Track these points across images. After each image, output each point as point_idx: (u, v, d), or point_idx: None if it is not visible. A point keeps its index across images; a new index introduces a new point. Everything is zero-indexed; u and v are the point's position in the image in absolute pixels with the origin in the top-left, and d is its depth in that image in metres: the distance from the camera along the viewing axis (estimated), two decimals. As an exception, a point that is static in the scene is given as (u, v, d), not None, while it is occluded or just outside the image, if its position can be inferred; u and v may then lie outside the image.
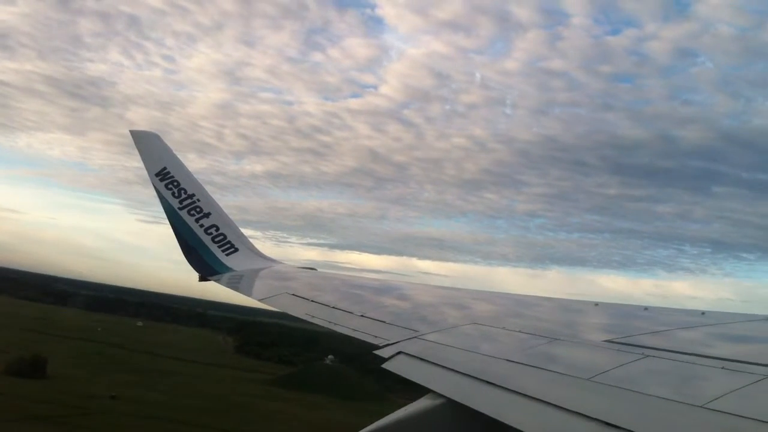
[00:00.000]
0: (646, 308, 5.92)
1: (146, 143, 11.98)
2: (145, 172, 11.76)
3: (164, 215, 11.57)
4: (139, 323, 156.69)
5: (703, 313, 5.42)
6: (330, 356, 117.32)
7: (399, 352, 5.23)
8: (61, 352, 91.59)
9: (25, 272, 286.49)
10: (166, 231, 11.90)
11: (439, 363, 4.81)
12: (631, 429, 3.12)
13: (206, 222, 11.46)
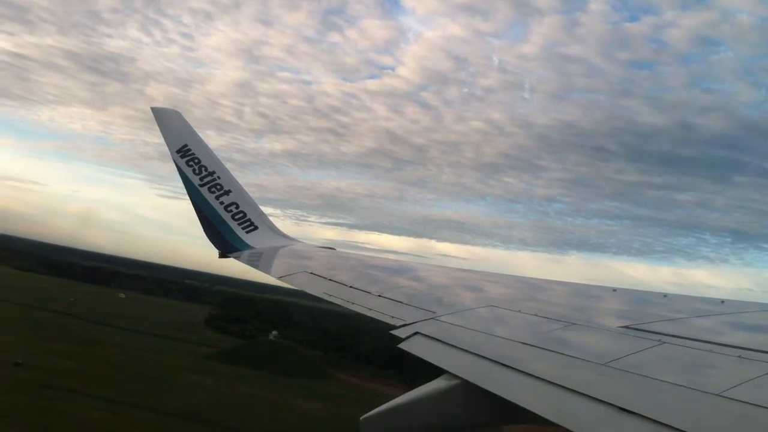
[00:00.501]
0: (665, 295, 5.87)
1: (167, 120, 12.06)
2: (165, 148, 11.81)
3: (184, 191, 11.68)
4: (122, 295, 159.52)
5: (722, 301, 5.38)
6: (274, 332, 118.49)
7: (416, 333, 5.26)
8: (6, 319, 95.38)
9: (35, 242, 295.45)
10: (185, 206, 11.99)
11: (455, 344, 4.83)
12: (646, 415, 3.10)
13: (226, 199, 11.56)
